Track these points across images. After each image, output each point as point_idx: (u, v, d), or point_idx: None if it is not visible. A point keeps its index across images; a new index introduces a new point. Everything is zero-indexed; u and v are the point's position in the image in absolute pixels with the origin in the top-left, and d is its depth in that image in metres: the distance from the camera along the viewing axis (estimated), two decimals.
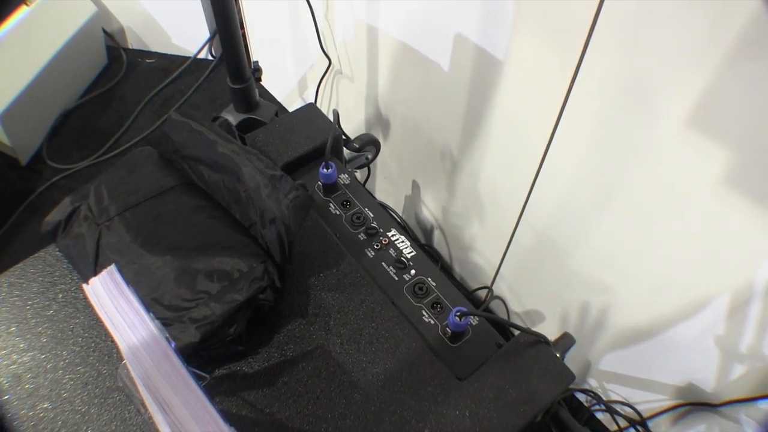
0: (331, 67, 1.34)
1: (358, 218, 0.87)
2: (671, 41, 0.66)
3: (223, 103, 1.77)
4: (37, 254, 0.84)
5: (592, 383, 1.11)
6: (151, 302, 0.68)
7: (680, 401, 0.92)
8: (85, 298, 0.52)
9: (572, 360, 1.08)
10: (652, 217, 0.81)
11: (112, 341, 0.73)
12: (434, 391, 0.70)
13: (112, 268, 0.47)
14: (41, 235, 0.82)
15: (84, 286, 0.46)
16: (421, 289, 0.80)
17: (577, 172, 0.89)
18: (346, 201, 0.89)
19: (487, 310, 1.25)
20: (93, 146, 1.71)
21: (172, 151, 0.83)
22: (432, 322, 0.77)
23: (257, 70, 1.08)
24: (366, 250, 0.84)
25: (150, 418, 0.66)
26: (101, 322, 0.46)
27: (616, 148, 0.81)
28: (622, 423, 1.04)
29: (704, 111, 0.66)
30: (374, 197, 0.90)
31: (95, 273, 0.76)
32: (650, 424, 1.00)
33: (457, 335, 0.74)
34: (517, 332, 0.75)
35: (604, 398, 1.07)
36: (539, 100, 0.87)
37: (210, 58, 1.91)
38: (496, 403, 0.68)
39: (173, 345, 0.44)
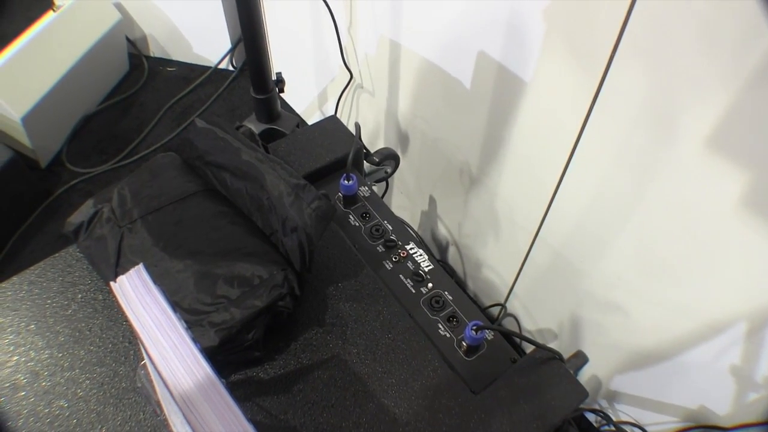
0: (352, 81, 1.36)
1: (377, 230, 0.88)
2: (695, 62, 0.66)
3: (242, 114, 1.79)
4: (57, 254, 0.85)
5: (602, 403, 1.10)
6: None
7: (691, 424, 0.91)
8: (112, 296, 0.53)
9: (582, 379, 1.07)
10: (668, 239, 0.81)
11: (136, 340, 0.74)
12: (448, 403, 0.70)
13: (140, 267, 0.48)
14: (62, 235, 0.83)
15: (111, 283, 0.47)
16: (437, 302, 0.80)
17: (595, 192, 0.89)
18: (366, 213, 0.90)
19: (501, 326, 1.25)
20: (112, 151, 1.73)
21: (196, 158, 0.84)
22: (448, 335, 0.77)
23: (280, 81, 1.10)
24: (384, 262, 0.84)
25: (165, 419, 0.67)
26: (127, 319, 0.47)
27: (635, 169, 0.81)
28: None
29: (726, 132, 0.67)
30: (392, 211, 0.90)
31: (116, 274, 0.77)
32: None
33: (472, 349, 0.74)
34: (530, 348, 0.75)
35: (614, 418, 1.06)
36: (560, 119, 0.88)
37: (231, 68, 1.94)
38: (510, 417, 0.68)
39: (198, 346, 0.45)
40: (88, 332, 0.76)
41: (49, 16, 1.68)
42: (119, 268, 0.75)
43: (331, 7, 1.17)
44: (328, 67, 1.41)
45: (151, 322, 0.46)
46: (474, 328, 0.72)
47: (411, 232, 0.87)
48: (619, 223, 0.87)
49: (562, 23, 0.80)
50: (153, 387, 0.63)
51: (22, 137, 1.60)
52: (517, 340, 1.25)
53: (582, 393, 0.71)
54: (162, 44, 1.97)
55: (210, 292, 0.70)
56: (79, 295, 0.80)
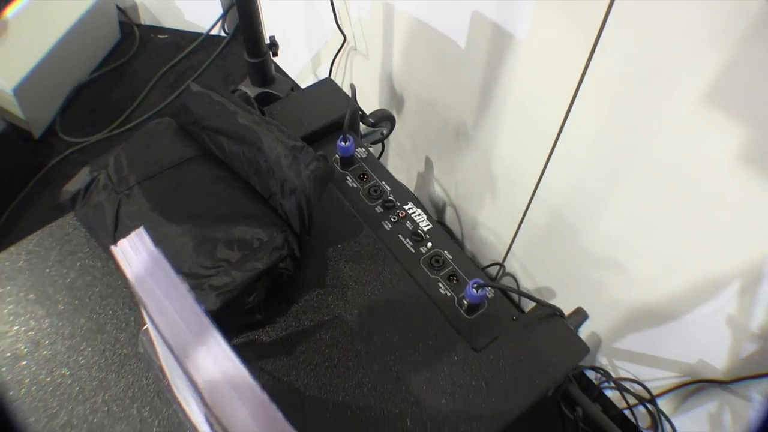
0: (345, 44, 1.33)
1: (375, 191, 0.87)
2: (689, 18, 0.65)
3: (235, 80, 1.77)
4: (54, 223, 0.84)
5: (602, 361, 1.11)
6: None
7: (690, 378, 0.93)
8: (112, 261, 0.52)
9: (582, 336, 1.08)
10: (666, 195, 0.81)
11: (136, 306, 0.74)
12: (450, 361, 0.70)
13: (141, 229, 0.48)
14: (58, 205, 0.82)
15: (112, 247, 0.47)
16: (437, 261, 0.80)
17: (591, 149, 0.89)
18: (363, 174, 0.90)
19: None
20: (106, 120, 1.72)
21: (192, 123, 0.83)
22: (448, 294, 0.77)
23: (274, 45, 1.08)
24: (383, 222, 0.84)
25: (168, 384, 0.67)
26: (128, 284, 0.46)
27: (630, 126, 0.80)
28: (632, 401, 1.04)
29: (720, 88, 0.67)
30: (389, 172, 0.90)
31: (114, 241, 0.76)
32: (659, 401, 1.01)
33: (473, 307, 0.75)
34: (530, 307, 0.75)
35: (614, 375, 1.08)
36: (556, 77, 0.87)
37: (223, 34, 1.90)
38: (512, 374, 0.69)
39: (202, 307, 0.45)
40: (87, 300, 0.76)
41: None
42: (117, 234, 0.75)
43: None
44: (321, 30, 1.39)
45: (154, 285, 0.46)
46: (475, 286, 0.72)
47: (409, 192, 0.87)
48: (616, 180, 0.87)
49: None
50: (155, 352, 0.63)
51: (15, 109, 1.59)
52: (517, 298, 1.26)
53: (583, 349, 0.72)
54: (153, 12, 1.94)
55: (210, 255, 0.70)
56: (78, 264, 0.80)
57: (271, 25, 1.65)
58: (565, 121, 0.89)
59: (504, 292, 0.79)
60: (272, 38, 1.07)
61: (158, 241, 0.71)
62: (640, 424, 1.06)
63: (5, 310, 0.75)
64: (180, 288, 0.44)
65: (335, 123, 0.95)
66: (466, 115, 1.10)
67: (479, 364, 0.70)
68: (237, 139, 0.77)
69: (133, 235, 0.48)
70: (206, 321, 0.43)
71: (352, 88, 0.93)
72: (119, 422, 0.66)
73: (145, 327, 0.66)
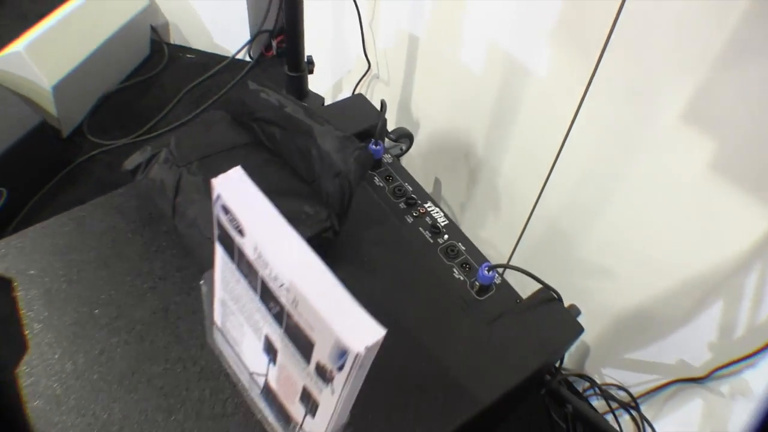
0: (369, 71, 1.48)
1: (399, 190, 0.99)
2: (671, 51, 0.80)
3: None
4: (104, 197, 0.94)
5: (589, 369, 1.22)
6: None
7: (670, 378, 1.03)
8: (209, 195, 0.60)
9: (572, 346, 1.19)
10: (650, 203, 0.95)
11: (236, 233, 0.83)
12: (462, 334, 0.81)
13: (239, 167, 0.58)
14: (120, 173, 0.92)
15: (213, 180, 0.57)
16: (452, 251, 0.91)
17: (587, 166, 1.02)
18: (389, 176, 1.02)
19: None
20: (131, 127, 1.82)
21: (245, 114, 0.95)
22: (461, 278, 0.88)
23: (311, 63, 1.22)
24: (405, 216, 0.96)
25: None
26: (232, 214, 0.56)
27: (621, 143, 0.95)
28: (616, 407, 1.14)
29: (697, 108, 0.81)
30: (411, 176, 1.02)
31: (174, 208, 0.87)
32: (643, 406, 1.11)
33: (484, 288, 0.86)
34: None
35: (599, 382, 1.18)
36: (557, 104, 1.01)
37: (248, 59, 2.04)
38: (517, 343, 0.80)
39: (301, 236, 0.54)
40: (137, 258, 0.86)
41: None
42: (177, 199, 0.85)
43: (357, 3, 1.30)
44: (346, 58, 1.53)
45: (256, 214, 0.56)
46: (486, 268, 0.84)
47: (427, 194, 0.99)
48: (608, 192, 1.00)
49: (562, 21, 0.94)
50: (213, 296, 0.72)
51: (50, 105, 1.69)
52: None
53: (578, 328, 0.83)
54: (183, 32, 2.08)
55: None
56: (129, 234, 0.90)
57: None
58: (564, 142, 1.03)
59: (513, 268, 0.90)
60: (309, 57, 1.21)
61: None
62: (624, 430, 1.15)
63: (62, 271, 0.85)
64: (281, 218, 0.54)
65: (365, 132, 1.07)
66: (476, 138, 1.23)
67: (488, 335, 0.80)
68: (289, 129, 0.89)
69: (232, 171, 0.58)
70: (306, 246, 0.52)
71: (383, 102, 1.06)
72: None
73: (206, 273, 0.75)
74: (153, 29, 2.05)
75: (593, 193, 1.03)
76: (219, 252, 0.64)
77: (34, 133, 1.59)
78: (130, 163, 0.93)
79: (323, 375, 0.53)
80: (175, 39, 2.11)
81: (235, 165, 0.89)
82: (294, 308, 0.51)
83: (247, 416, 0.73)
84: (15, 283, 0.84)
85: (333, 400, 0.54)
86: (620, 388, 1.15)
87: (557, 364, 0.98)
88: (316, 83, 1.80)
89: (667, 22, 0.80)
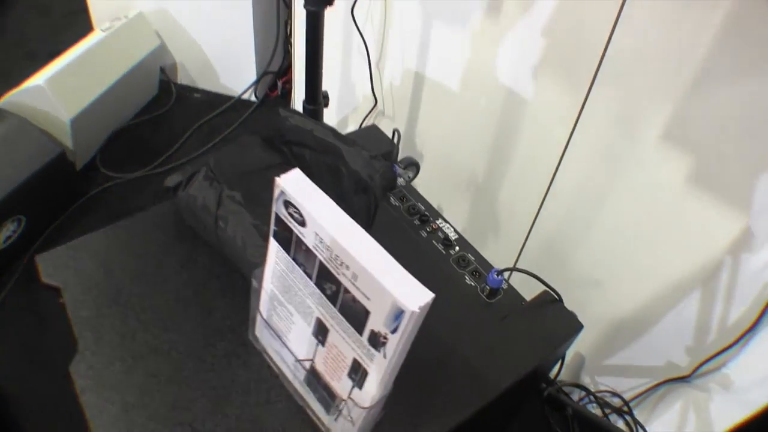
0: (375, 108, 1.60)
1: (413, 209, 1.10)
2: (650, 81, 0.94)
3: None
4: (149, 210, 1.04)
5: (584, 378, 1.31)
6: None
7: (659, 380, 1.13)
8: (272, 192, 0.68)
9: (568, 356, 1.28)
10: (634, 216, 1.07)
11: (297, 224, 0.91)
12: (476, 327, 0.90)
13: (297, 169, 0.69)
14: (163, 190, 1.01)
15: (277, 179, 0.67)
16: (463, 260, 1.02)
17: (579, 186, 1.15)
18: (403, 197, 1.12)
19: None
20: (143, 161, 1.92)
21: (276, 137, 1.06)
22: (473, 284, 0.98)
23: (326, 98, 1.33)
24: (420, 231, 1.06)
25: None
26: (299, 209, 0.64)
27: (609, 164, 1.08)
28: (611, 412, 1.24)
29: (674, 131, 0.95)
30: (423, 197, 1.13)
31: (216, 220, 0.96)
32: (636, 410, 1.20)
33: (493, 292, 0.96)
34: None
35: (593, 390, 1.28)
36: (552, 131, 1.14)
37: (253, 99, 2.17)
38: (525, 339, 0.90)
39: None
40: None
41: (98, 34, 1.89)
42: (219, 212, 0.95)
43: (367, 44, 1.43)
44: (353, 96, 1.66)
45: (319, 208, 0.65)
46: (495, 272, 0.94)
47: (438, 212, 1.09)
48: (599, 208, 1.13)
49: (556, 56, 1.07)
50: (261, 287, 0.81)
51: (66, 138, 1.78)
52: None
53: (578, 325, 0.93)
54: (190, 73, 2.20)
55: None
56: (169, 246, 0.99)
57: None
58: (559, 165, 1.15)
59: (520, 271, 1.00)
60: (325, 92, 1.33)
61: (257, 216, 0.92)
62: None
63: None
64: (338, 209, 0.64)
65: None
66: (476, 165, 1.35)
67: (499, 330, 0.90)
68: (319, 150, 1.00)
69: (291, 172, 0.68)
70: (367, 234, 0.62)
71: (397, 131, 1.18)
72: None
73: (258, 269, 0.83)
74: (162, 69, 2.17)
75: (584, 212, 1.15)
76: (273, 247, 0.74)
77: (53, 164, 1.67)
78: (171, 181, 1.02)
79: (375, 342, 0.62)
80: (182, 79, 2.23)
81: (271, 182, 0.99)
82: (353, 283, 0.61)
83: (290, 403, 0.81)
84: (63, 291, 0.91)
85: (383, 365, 0.63)
86: (614, 394, 1.25)
87: (555, 370, 1.08)
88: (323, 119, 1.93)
89: (648, 56, 0.94)
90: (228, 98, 2.17)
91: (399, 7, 1.38)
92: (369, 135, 1.24)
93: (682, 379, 1.09)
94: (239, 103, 2.16)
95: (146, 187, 1.83)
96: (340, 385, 0.72)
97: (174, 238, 1.00)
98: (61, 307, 0.93)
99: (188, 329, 0.87)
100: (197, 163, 1.04)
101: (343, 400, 0.72)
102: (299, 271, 0.70)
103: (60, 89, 1.72)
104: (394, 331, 0.59)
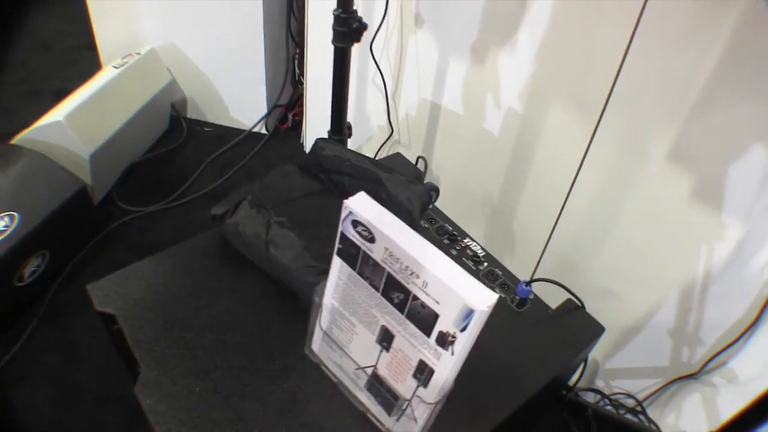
0: (391, 137, 1.70)
1: (442, 229, 1.19)
2: (655, 108, 1.05)
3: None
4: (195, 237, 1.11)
5: (599, 383, 1.40)
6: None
7: (669, 379, 1.22)
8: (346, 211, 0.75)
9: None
10: (642, 230, 1.17)
11: (365, 240, 0.98)
12: (510, 336, 0.99)
13: (363, 192, 0.76)
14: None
15: (346, 201, 0.74)
16: (492, 274, 1.10)
17: (591, 205, 1.25)
18: (431, 219, 1.21)
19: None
20: (159, 195, 1.98)
21: (315, 166, 1.14)
22: (503, 295, 1.07)
23: (349, 128, 1.43)
24: (450, 249, 1.15)
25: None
26: (364, 224, 0.72)
27: (619, 183, 1.18)
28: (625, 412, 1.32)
29: (677, 152, 1.06)
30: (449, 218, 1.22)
31: (267, 243, 1.04)
32: (649, 409, 1.29)
33: (522, 302, 1.04)
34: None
35: (608, 393, 1.36)
36: (565, 156, 1.25)
37: (263, 132, 2.25)
38: (553, 340, 0.98)
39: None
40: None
41: (110, 71, 1.97)
42: (269, 236, 1.02)
43: (384, 76, 1.53)
44: (368, 126, 1.76)
45: (386, 223, 0.73)
46: (524, 284, 1.03)
47: (465, 232, 1.18)
48: (610, 225, 1.23)
49: (568, 86, 1.18)
50: (323, 299, 0.88)
51: (85, 174, 1.82)
52: None
53: (600, 328, 1.02)
54: (200, 107, 2.28)
55: None
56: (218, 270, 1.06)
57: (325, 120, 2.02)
58: (572, 186, 1.25)
59: (547, 281, 1.09)
60: (349, 123, 1.42)
61: (305, 238, 1.00)
62: None
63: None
64: (401, 223, 0.72)
65: None
66: (492, 189, 1.45)
67: (530, 335, 0.99)
68: (358, 177, 1.09)
69: (357, 195, 0.76)
70: (430, 244, 0.71)
71: (423, 158, 1.28)
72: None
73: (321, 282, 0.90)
74: (171, 105, 2.25)
75: (596, 228, 1.25)
76: (336, 264, 0.81)
77: (74, 199, 1.72)
78: (217, 209, 1.09)
79: (444, 342, 0.70)
80: (191, 113, 2.31)
81: (314, 207, 1.08)
82: (423, 290, 0.69)
83: (351, 410, 0.88)
84: (117, 317, 0.96)
85: (451, 362, 0.71)
86: (628, 395, 1.33)
87: (576, 375, 1.16)
88: None
89: (654, 83, 1.05)
90: (239, 131, 2.25)
91: (413, 40, 1.49)
92: (395, 162, 1.33)
93: (691, 377, 1.18)
94: (250, 136, 2.24)
95: (165, 220, 1.90)
96: (405, 386, 0.79)
97: (219, 263, 1.07)
98: (119, 332, 0.98)
99: (246, 346, 0.94)
100: (237, 193, 1.11)
101: (407, 400, 0.79)
102: (364, 284, 0.78)
103: (78, 125, 1.77)
104: (463, 330, 0.67)
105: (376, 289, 0.76)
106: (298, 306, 0.99)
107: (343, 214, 0.76)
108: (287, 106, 2.25)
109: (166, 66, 2.17)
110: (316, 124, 2.04)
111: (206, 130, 2.26)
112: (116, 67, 1.99)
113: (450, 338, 0.69)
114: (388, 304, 0.75)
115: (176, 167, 2.10)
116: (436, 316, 0.69)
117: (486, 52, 1.33)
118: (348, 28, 1.20)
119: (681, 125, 1.03)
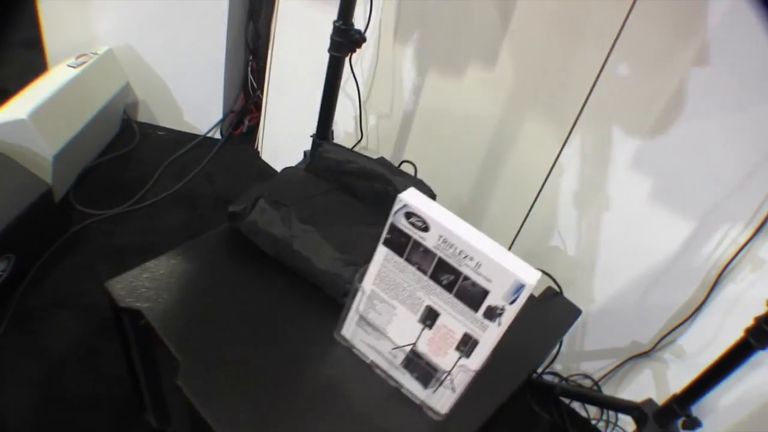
0: (359, 142, 1.81)
1: None
2: (622, 120, 1.24)
3: (236, 173, 2.13)
4: (211, 232, 1.16)
5: (557, 367, 1.57)
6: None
7: (624, 358, 1.41)
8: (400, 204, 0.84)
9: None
10: (606, 225, 1.35)
11: (418, 230, 1.05)
12: None
13: (412, 188, 0.87)
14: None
15: (400, 195, 0.84)
16: None
17: (560, 203, 1.42)
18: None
19: None
20: (118, 198, 1.96)
21: (323, 169, 1.23)
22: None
23: (332, 133, 1.52)
24: None
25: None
26: (418, 214, 0.82)
27: (585, 185, 1.35)
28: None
29: (640, 158, 1.24)
30: None
31: (291, 238, 1.11)
32: (604, 387, 1.47)
33: None
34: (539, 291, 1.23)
35: (566, 375, 1.53)
36: (536, 161, 1.41)
37: (218, 136, 2.28)
38: (537, 323, 1.13)
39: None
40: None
41: (67, 69, 1.92)
42: (291, 231, 1.10)
43: (359, 85, 1.64)
44: (336, 131, 1.85)
45: (436, 212, 0.84)
46: None
47: None
48: (576, 220, 1.40)
49: (543, 97, 1.35)
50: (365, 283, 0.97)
51: (47, 175, 1.77)
52: None
53: (577, 311, 1.18)
54: (152, 110, 2.27)
55: (354, 244, 1.08)
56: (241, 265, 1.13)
57: (292, 124, 2.08)
58: (543, 186, 1.42)
59: None
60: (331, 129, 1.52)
61: (327, 233, 1.09)
62: (589, 411, 1.51)
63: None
64: (449, 213, 0.84)
65: None
66: (462, 190, 1.60)
67: (521, 319, 1.13)
68: (367, 178, 1.19)
69: (409, 190, 0.87)
70: (473, 229, 0.83)
71: (410, 162, 1.40)
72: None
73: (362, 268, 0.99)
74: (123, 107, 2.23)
75: (564, 222, 1.42)
76: (381, 253, 0.91)
77: (40, 201, 1.68)
78: (235, 207, 1.16)
79: (491, 315, 0.82)
80: (142, 117, 2.29)
81: (329, 204, 1.17)
82: (475, 270, 0.81)
83: (385, 386, 0.97)
84: (144, 313, 0.99)
85: (497, 332, 0.83)
86: (585, 376, 1.51)
87: (548, 360, 1.33)
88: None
89: (618, 100, 1.23)
90: (193, 136, 2.27)
91: (390, 50, 1.61)
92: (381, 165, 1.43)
93: (644, 355, 1.38)
94: (204, 141, 2.26)
95: (128, 223, 1.89)
96: (446, 359, 0.90)
97: (236, 257, 1.13)
98: (146, 326, 1.02)
99: (276, 335, 1.00)
100: (250, 192, 1.18)
101: (447, 372, 0.91)
102: (411, 269, 0.88)
103: (42, 124, 1.72)
104: (512, 302, 0.79)
105: (424, 273, 0.87)
106: (322, 296, 1.07)
107: (396, 207, 0.86)
108: (240, 112, 2.30)
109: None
110: (274, 130, 2.10)
111: (159, 133, 2.26)
112: (73, 67, 1.95)
113: (498, 311, 0.81)
114: (436, 285, 0.86)
115: (133, 170, 2.09)
116: (485, 292, 0.81)
117: (464, 66, 1.48)
118: (347, 39, 1.30)
119: (644, 136, 1.22)
